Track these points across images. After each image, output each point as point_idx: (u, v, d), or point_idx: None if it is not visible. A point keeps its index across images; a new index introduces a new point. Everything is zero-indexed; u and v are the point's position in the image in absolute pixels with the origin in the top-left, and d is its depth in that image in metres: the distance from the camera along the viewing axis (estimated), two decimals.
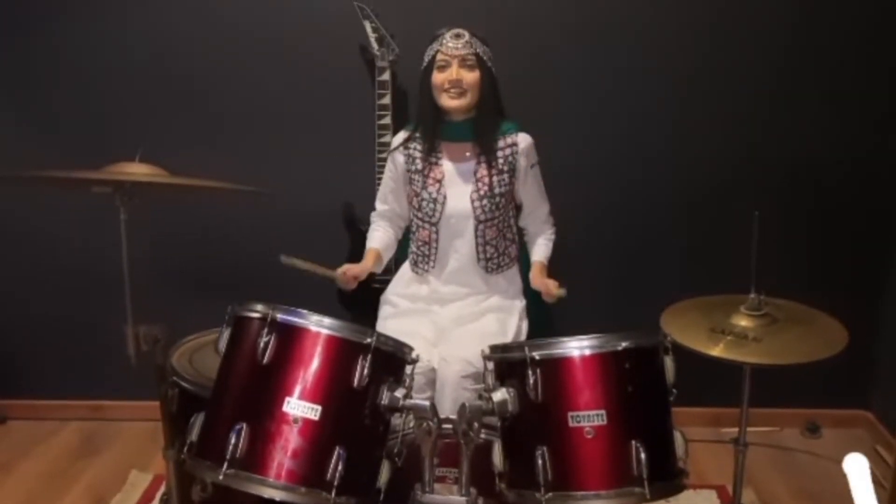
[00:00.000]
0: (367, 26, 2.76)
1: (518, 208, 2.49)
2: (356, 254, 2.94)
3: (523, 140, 2.37)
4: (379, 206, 2.53)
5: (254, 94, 3.02)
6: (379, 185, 2.74)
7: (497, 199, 2.34)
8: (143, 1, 2.95)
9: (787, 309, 2.09)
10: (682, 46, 2.96)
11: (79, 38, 2.99)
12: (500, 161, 2.35)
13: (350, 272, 2.32)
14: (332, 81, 2.99)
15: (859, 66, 2.97)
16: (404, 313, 2.44)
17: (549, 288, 2.25)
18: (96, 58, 3.00)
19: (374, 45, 2.77)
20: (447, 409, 1.99)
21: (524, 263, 2.51)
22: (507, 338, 2.33)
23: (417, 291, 2.46)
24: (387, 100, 2.78)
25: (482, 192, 2.34)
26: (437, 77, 2.29)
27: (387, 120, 2.78)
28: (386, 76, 2.78)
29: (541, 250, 2.46)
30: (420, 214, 2.39)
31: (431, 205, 2.36)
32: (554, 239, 2.49)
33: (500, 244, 2.41)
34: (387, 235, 2.51)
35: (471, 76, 2.27)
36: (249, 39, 2.97)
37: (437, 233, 2.38)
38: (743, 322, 2.03)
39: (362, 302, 2.84)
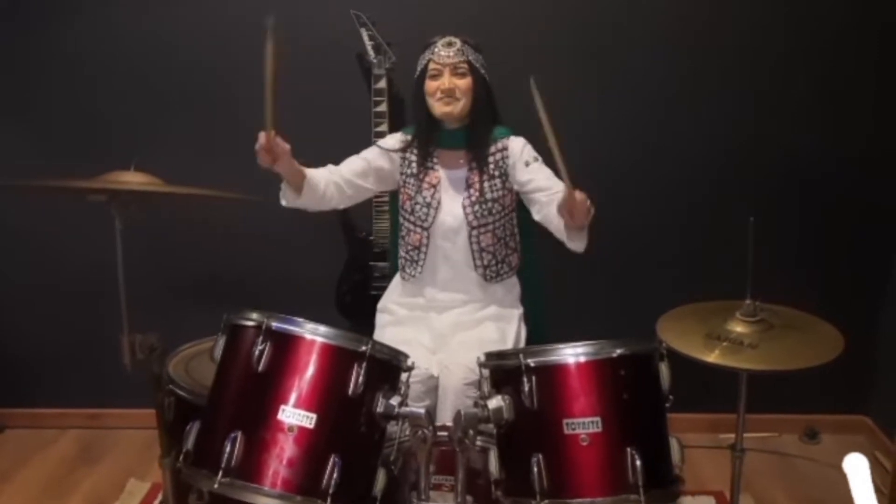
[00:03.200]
0: (364, 34, 2.77)
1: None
2: (355, 260, 2.95)
3: (514, 143, 2.36)
4: (342, 167, 2.39)
5: (250, 102, 2.99)
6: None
7: (489, 204, 2.34)
8: (139, 10, 2.96)
9: (782, 315, 2.09)
10: (674, 52, 2.96)
11: (74, 47, 2.99)
12: (492, 166, 2.35)
13: (276, 144, 2.13)
14: (329, 89, 2.99)
15: (858, 69, 2.97)
16: (402, 321, 2.44)
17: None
18: (91, 66, 3.00)
19: (371, 53, 2.77)
20: (449, 417, 1.97)
21: (524, 272, 2.51)
22: (507, 345, 2.33)
23: (414, 299, 2.46)
24: (383, 107, 2.78)
25: (474, 199, 2.34)
26: (430, 85, 2.30)
27: (383, 127, 2.78)
28: (382, 84, 2.78)
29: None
30: (412, 218, 2.39)
31: (425, 209, 2.36)
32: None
33: (500, 251, 2.40)
34: (323, 177, 2.32)
35: (463, 83, 2.28)
36: (245, 47, 2.96)
37: (428, 238, 2.38)
38: (739, 328, 2.03)
39: (359, 310, 2.85)
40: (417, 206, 2.37)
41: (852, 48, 2.96)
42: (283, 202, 2.33)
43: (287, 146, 2.17)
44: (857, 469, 1.30)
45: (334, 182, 2.36)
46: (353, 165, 2.41)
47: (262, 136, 2.12)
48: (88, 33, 2.98)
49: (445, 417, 2.08)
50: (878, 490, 1.32)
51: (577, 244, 2.17)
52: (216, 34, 2.97)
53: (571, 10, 2.95)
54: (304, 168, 2.28)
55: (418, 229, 2.39)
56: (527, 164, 2.32)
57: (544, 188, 2.28)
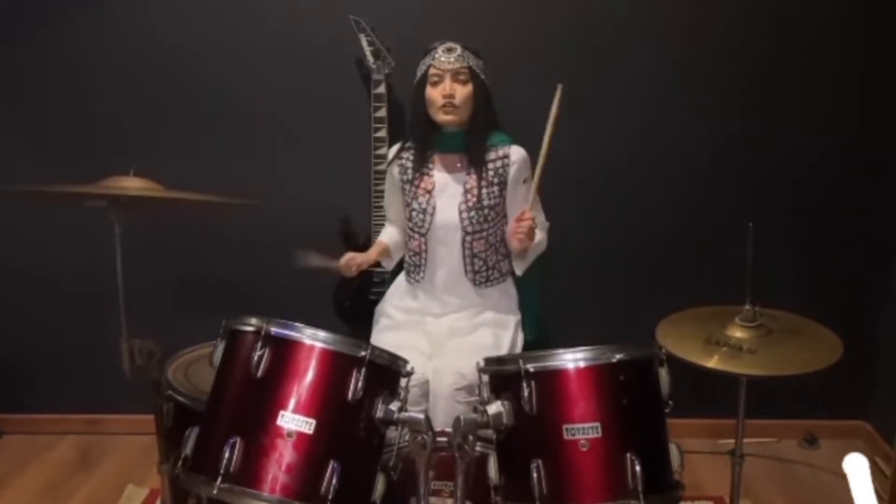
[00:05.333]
0: (363, 40, 2.77)
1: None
2: None
3: (516, 153, 2.37)
4: (386, 218, 2.59)
5: (249, 107, 3.03)
6: (375, 196, 2.77)
7: (486, 211, 2.34)
8: (138, 15, 2.96)
9: (781, 320, 2.09)
10: (671, 56, 2.96)
11: (72, 53, 2.99)
12: (491, 173, 2.35)
13: (353, 261, 2.39)
14: (329, 95, 2.99)
15: (854, 72, 2.98)
16: (400, 325, 2.44)
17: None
18: (90, 71, 3.00)
19: (370, 59, 2.78)
20: (440, 422, 1.99)
21: (520, 277, 2.50)
22: (502, 351, 2.33)
23: (412, 303, 2.46)
24: (383, 112, 2.79)
25: (470, 204, 2.34)
26: (431, 92, 2.30)
27: (383, 132, 2.78)
28: (382, 89, 2.78)
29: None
30: (411, 224, 2.40)
31: (421, 215, 2.37)
32: (545, 239, 2.42)
33: (491, 258, 2.40)
34: (395, 234, 2.55)
35: (463, 90, 2.28)
36: (245, 53, 2.97)
37: (426, 243, 2.39)
38: (738, 333, 2.02)
39: (358, 314, 2.84)
40: (414, 213, 2.38)
41: (845, 51, 2.96)
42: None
43: (363, 257, 2.44)
44: (856, 469, 1.30)
45: (401, 236, 2.54)
46: (397, 209, 2.51)
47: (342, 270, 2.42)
48: (88, 38, 2.98)
49: (436, 422, 2.06)
50: (877, 495, 1.32)
51: (518, 267, 2.41)
52: (216, 40, 2.97)
53: (567, 16, 2.95)
54: (381, 244, 2.53)
55: (416, 235, 2.39)
56: (525, 182, 2.36)
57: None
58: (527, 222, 2.24)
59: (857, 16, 2.94)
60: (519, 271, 2.41)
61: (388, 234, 2.56)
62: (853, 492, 1.29)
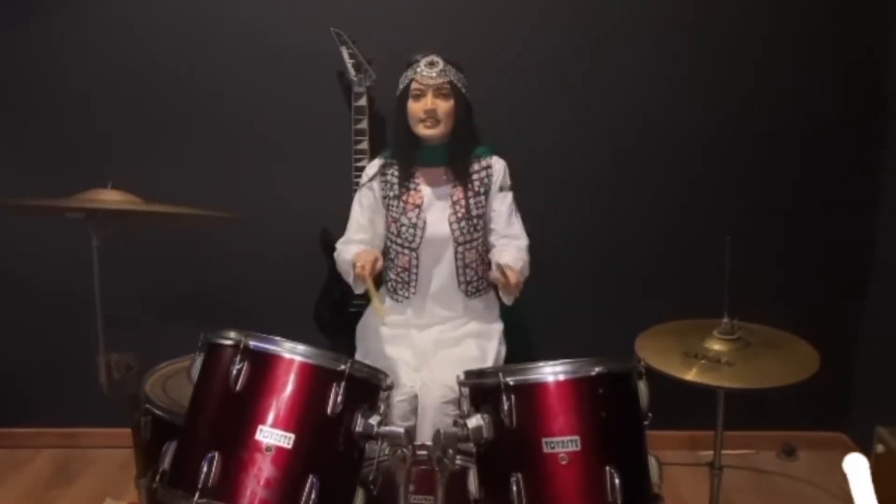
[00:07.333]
0: (344, 52, 2.78)
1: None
2: (335, 277, 2.94)
3: (497, 163, 2.40)
4: (354, 235, 2.41)
5: (229, 119, 3.02)
6: None
7: (475, 220, 2.35)
8: (117, 27, 2.95)
9: (759, 333, 2.12)
10: (657, 66, 2.99)
11: (51, 64, 2.97)
12: (476, 183, 2.36)
13: (362, 259, 2.18)
14: (309, 107, 2.99)
15: (842, 85, 3.01)
16: (384, 339, 2.42)
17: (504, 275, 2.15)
18: (69, 83, 2.99)
19: (351, 71, 2.78)
20: (428, 436, 1.97)
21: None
22: (488, 363, 2.33)
23: (398, 317, 2.44)
24: (364, 125, 2.79)
25: (460, 215, 2.35)
26: (413, 106, 2.30)
27: (364, 145, 2.78)
28: (363, 101, 2.79)
29: (509, 254, 2.31)
30: (399, 240, 2.39)
31: (411, 230, 2.36)
32: (527, 255, 2.36)
33: (480, 268, 2.41)
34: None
35: (445, 105, 2.29)
36: (225, 65, 2.97)
37: (417, 258, 2.38)
38: (716, 346, 2.05)
39: (340, 327, 2.84)
40: (403, 228, 2.37)
41: (833, 67, 3.00)
42: (358, 291, 2.33)
43: (368, 254, 2.23)
44: (856, 469, 1.31)
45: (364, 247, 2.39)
46: (357, 228, 2.42)
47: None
48: (65, 49, 2.96)
49: (425, 436, 2.07)
50: None
51: (507, 299, 2.28)
52: (195, 51, 2.96)
53: (549, 33, 2.97)
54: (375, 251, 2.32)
55: (406, 251, 2.38)
56: (501, 190, 2.39)
57: (501, 233, 2.39)
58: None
59: (846, 19, 2.96)
60: (508, 302, 2.29)
61: (362, 245, 2.38)
62: (853, 492, 1.30)
